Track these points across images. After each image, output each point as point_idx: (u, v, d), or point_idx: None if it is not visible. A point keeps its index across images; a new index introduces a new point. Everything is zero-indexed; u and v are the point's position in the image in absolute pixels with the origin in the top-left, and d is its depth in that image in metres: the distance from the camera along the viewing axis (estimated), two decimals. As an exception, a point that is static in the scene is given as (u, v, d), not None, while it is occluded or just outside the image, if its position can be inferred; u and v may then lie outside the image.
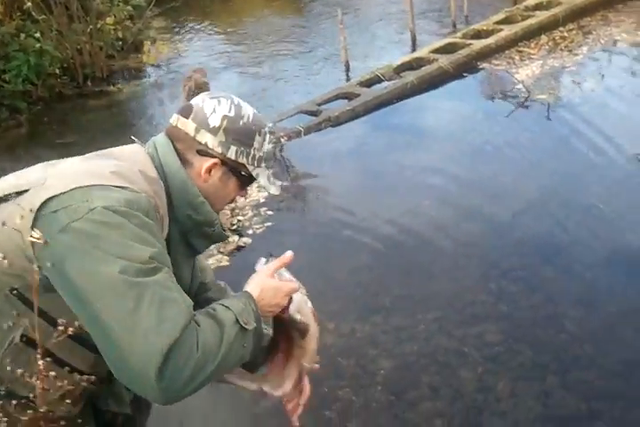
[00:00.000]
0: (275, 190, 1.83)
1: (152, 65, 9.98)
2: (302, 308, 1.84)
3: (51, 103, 8.75)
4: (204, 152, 1.70)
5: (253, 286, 1.71)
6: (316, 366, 2.02)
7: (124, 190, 1.49)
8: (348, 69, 8.91)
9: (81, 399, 1.74)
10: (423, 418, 3.21)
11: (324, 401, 3.33)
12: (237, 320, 1.54)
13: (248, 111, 1.74)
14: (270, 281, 1.75)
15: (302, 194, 5.81)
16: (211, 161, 1.70)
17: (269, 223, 5.18)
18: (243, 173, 1.75)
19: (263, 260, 1.86)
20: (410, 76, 7.90)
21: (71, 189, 1.46)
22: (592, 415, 3.20)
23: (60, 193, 1.45)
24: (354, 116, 7.26)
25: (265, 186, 1.81)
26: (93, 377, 1.64)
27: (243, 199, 5.46)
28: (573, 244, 4.67)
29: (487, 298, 4.17)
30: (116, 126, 7.96)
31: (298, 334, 1.87)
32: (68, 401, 1.66)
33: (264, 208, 5.40)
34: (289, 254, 1.83)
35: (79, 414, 1.75)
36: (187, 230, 1.74)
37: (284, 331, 1.90)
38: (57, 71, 8.73)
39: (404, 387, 3.42)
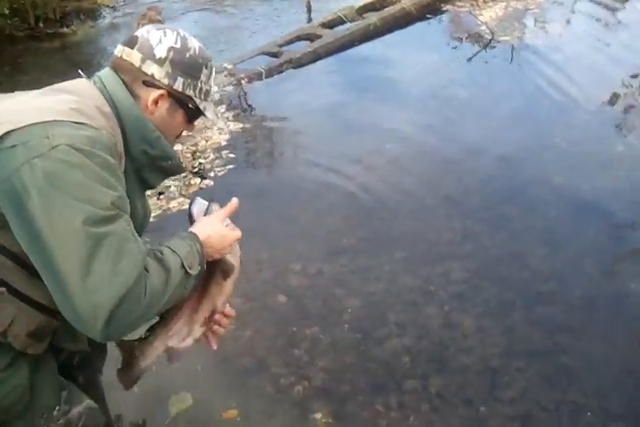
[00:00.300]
0: (223, 124, 1.84)
1: (107, 6, 9.53)
2: (234, 249, 1.83)
3: (1, 45, 8.29)
4: (150, 83, 1.64)
5: (202, 229, 1.71)
6: (231, 310, 1.96)
7: (86, 127, 1.44)
8: (309, 10, 8.64)
9: (46, 337, 1.65)
10: (390, 355, 3.20)
11: (291, 340, 3.30)
12: (183, 265, 1.56)
13: (194, 44, 1.70)
14: (220, 228, 1.74)
15: (265, 136, 5.66)
16: (157, 92, 1.65)
17: (231, 166, 5.05)
18: (190, 105, 1.71)
19: (201, 201, 1.84)
20: (373, 18, 7.71)
21: (29, 125, 1.39)
22: (557, 350, 3.24)
23: (18, 128, 1.38)
24: (315, 57, 7.08)
25: (213, 119, 1.82)
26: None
27: (204, 142, 5.30)
28: (536, 183, 4.67)
29: (452, 237, 4.16)
30: (71, 68, 7.57)
31: (221, 274, 1.82)
32: (35, 339, 1.60)
33: (226, 151, 5.25)
34: (235, 201, 1.82)
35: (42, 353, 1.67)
36: (141, 166, 1.70)
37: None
38: (6, 12, 8.26)
39: (371, 325, 3.41)
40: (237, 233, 1.79)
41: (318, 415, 2.84)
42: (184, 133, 1.88)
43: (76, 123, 1.43)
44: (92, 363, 2.02)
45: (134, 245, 1.44)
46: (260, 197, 4.54)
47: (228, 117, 5.61)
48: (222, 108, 5.77)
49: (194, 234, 1.67)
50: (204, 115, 1.76)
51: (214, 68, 1.78)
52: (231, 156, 5.19)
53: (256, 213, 4.18)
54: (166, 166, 1.75)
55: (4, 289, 1.50)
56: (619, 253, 3.97)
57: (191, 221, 1.80)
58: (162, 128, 1.69)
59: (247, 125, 5.60)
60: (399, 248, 4.05)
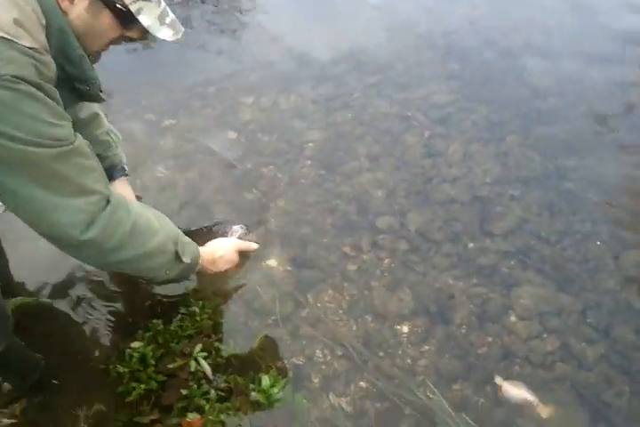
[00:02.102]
0: (166, 34, 1.57)
1: None
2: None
3: None
4: None
5: (213, 248, 2.06)
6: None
7: (31, 52, 1.32)
8: None
9: None
10: (360, 191, 2.67)
11: (243, 181, 2.74)
12: (177, 244, 1.75)
13: None
14: (231, 256, 2.13)
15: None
16: None
17: None
18: (118, 5, 1.48)
19: (238, 229, 2.33)
20: None
21: None
22: (559, 174, 2.72)
23: None
24: None
25: (150, 26, 1.54)
26: None
27: None
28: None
29: (433, 56, 3.49)
30: None
31: None
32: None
33: None
34: (255, 247, 2.26)
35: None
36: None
37: None
38: None
39: (338, 160, 2.84)
40: (235, 260, 2.16)
41: (273, 262, 2.35)
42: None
43: (27, 48, 1.31)
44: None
45: (94, 162, 1.52)
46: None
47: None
48: None
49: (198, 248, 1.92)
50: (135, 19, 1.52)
51: None
52: None
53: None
54: (83, 91, 1.60)
55: None
56: (628, 60, 3.33)
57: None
58: (86, 32, 1.50)
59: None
60: (371, 72, 3.39)
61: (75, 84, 1.58)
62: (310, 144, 2.94)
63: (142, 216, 1.66)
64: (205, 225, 2.38)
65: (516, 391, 1.97)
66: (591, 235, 2.44)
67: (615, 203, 2.56)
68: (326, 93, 3.27)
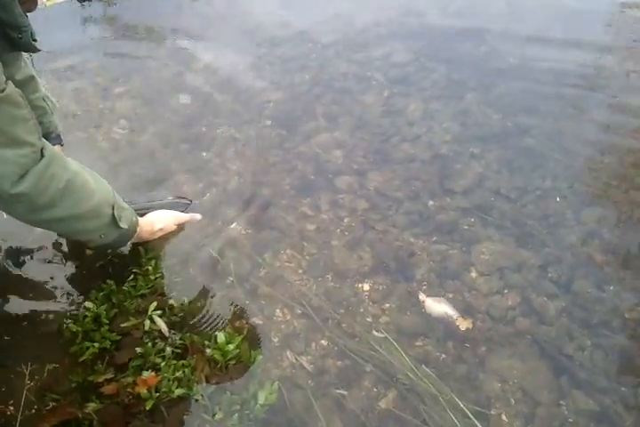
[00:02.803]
0: None
1: None
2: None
3: None
4: None
5: (153, 219, 2.02)
6: None
7: None
8: None
9: None
10: (320, 150, 2.61)
11: (199, 143, 2.66)
12: (114, 208, 1.69)
13: None
14: (170, 228, 2.11)
15: None
16: None
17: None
18: None
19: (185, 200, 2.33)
20: None
21: None
22: (519, 131, 2.69)
23: None
24: None
25: None
26: None
27: None
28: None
29: (393, 15, 3.41)
30: None
31: None
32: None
33: None
34: (198, 218, 2.23)
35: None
36: None
37: None
38: None
39: (296, 120, 2.77)
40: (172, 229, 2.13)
41: (232, 225, 2.28)
42: None
43: None
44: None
45: (26, 112, 1.44)
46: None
47: None
48: None
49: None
50: None
51: None
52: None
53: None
54: (15, 38, 1.52)
55: None
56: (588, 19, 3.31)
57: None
58: None
59: None
60: (328, 30, 3.30)
61: (6, 30, 1.51)
62: (270, 104, 2.86)
63: (79, 175, 1.60)
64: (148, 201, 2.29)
65: (437, 306, 2.04)
66: (551, 191, 2.43)
67: (575, 159, 2.54)
68: (283, 54, 3.19)
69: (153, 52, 3.17)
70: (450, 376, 1.87)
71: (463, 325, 2.00)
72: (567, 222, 2.31)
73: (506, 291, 2.11)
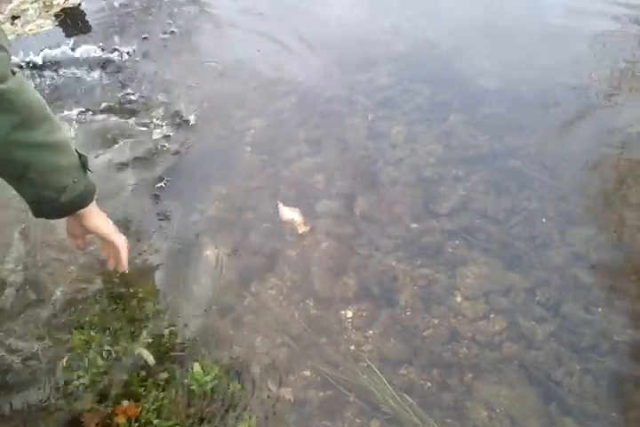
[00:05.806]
0: None
1: None
2: None
3: None
4: None
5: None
6: None
7: None
8: None
9: None
10: (302, 175, 2.58)
11: (187, 159, 2.64)
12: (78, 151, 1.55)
13: None
14: (111, 228, 1.80)
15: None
16: None
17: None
18: None
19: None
20: None
21: None
22: (505, 152, 2.67)
23: None
24: None
25: None
26: None
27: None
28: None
29: (382, 37, 3.41)
30: None
31: None
32: None
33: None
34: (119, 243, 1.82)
35: None
36: None
37: None
38: None
39: (279, 146, 2.75)
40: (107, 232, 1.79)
41: (212, 250, 2.25)
42: None
43: None
44: None
45: None
46: None
47: None
48: None
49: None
50: None
51: None
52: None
53: None
54: None
55: None
56: (572, 39, 3.31)
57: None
58: None
59: None
60: (327, 50, 3.30)
61: None
62: (251, 131, 2.84)
63: (46, 104, 1.45)
64: None
65: (288, 213, 2.35)
66: (537, 212, 2.39)
67: (560, 179, 2.52)
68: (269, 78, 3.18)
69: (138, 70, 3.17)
70: (435, 405, 1.83)
71: (301, 228, 2.30)
72: (553, 244, 2.28)
73: (492, 315, 2.07)
